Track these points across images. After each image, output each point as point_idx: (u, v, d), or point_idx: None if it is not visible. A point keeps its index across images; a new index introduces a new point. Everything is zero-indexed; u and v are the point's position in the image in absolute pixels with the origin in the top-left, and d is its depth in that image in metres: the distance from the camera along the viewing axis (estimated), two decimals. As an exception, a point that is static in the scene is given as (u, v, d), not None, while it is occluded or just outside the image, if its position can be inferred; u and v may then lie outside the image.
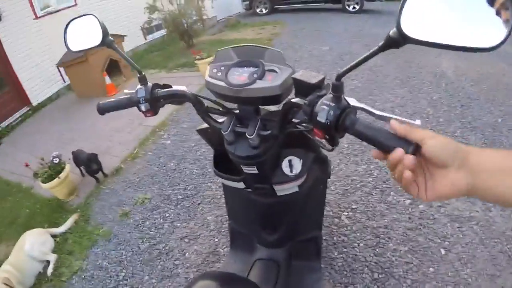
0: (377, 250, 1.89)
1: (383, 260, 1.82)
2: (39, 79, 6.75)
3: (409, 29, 0.46)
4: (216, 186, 2.74)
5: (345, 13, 8.04)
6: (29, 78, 6.59)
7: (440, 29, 0.44)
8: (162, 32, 8.79)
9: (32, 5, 6.50)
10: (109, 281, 2.20)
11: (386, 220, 2.06)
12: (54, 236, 2.72)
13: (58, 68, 6.68)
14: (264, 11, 10.21)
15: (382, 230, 2.00)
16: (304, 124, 0.82)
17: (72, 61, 5.71)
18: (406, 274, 1.72)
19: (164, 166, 3.29)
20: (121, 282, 2.16)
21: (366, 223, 2.06)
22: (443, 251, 1.80)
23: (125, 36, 6.57)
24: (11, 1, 6.08)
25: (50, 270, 2.44)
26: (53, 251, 2.58)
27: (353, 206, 2.21)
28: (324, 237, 1.99)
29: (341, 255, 1.89)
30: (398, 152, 0.48)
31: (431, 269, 1.72)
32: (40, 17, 6.65)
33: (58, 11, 6.98)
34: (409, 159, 0.47)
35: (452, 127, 2.80)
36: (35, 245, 2.48)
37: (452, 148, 0.47)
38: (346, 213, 2.17)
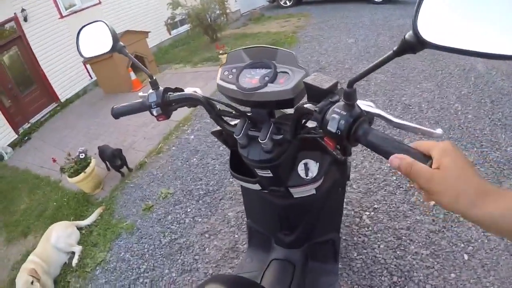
0: (398, 252, 1.84)
1: (403, 263, 1.77)
2: (66, 76, 7.05)
3: (426, 33, 0.41)
4: (237, 182, 2.74)
5: (371, 4, 7.79)
6: (57, 76, 6.89)
7: (462, 33, 0.40)
8: (186, 27, 8.92)
9: (57, 5, 6.75)
10: (130, 273, 2.28)
11: (408, 222, 2.00)
12: (79, 228, 2.84)
13: (84, 65, 6.91)
14: (288, 3, 10.02)
15: (404, 232, 1.94)
16: (317, 130, 0.79)
17: (97, 58, 5.87)
18: (426, 279, 1.67)
19: (187, 161, 3.34)
20: (142, 275, 2.24)
21: (388, 224, 2.01)
22: (466, 256, 1.73)
23: (149, 32, 6.69)
24: (36, 2, 6.33)
25: (75, 261, 2.56)
26: (79, 243, 2.70)
27: (375, 206, 2.16)
28: (344, 237, 1.97)
29: (361, 256, 1.86)
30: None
31: (452, 274, 1.66)
32: (65, 16, 6.91)
33: (82, 10, 7.20)
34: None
35: (481, 124, 2.67)
36: (61, 237, 2.61)
37: (462, 182, 0.42)
38: (368, 213, 2.13)
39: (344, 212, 2.13)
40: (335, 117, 0.57)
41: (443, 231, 1.90)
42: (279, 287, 1.23)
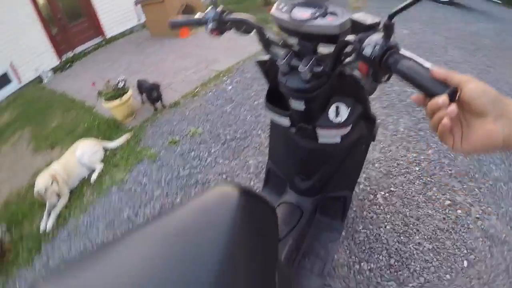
0: (402, 238, 1.84)
1: (404, 250, 1.77)
2: (115, 14, 7.19)
3: None
4: (265, 134, 2.79)
5: (434, 2, 7.37)
6: (106, 12, 7.06)
7: None
8: (242, -16, 8.75)
9: None
10: (144, 196, 2.41)
11: (420, 213, 1.98)
12: (105, 149, 2.96)
13: (135, 6, 7.01)
14: (349, -17, 9.64)
15: (413, 221, 1.93)
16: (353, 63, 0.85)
17: (150, 1, 5.94)
18: (422, 271, 1.66)
19: (221, 108, 3.40)
20: (154, 199, 2.36)
21: (399, 209, 2.01)
22: (465, 263, 1.70)
23: (203, -18, 6.66)
24: None
25: (94, 177, 2.69)
26: (101, 162, 2.82)
27: (392, 189, 2.15)
28: (354, 209, 1.99)
29: (365, 231, 1.88)
30: (440, 99, 0.47)
31: (447, 276, 1.64)
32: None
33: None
34: (452, 107, 0.46)
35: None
36: (86, 153, 2.72)
37: (492, 95, 0.46)
38: (383, 193, 2.12)
39: (360, 186, 2.14)
40: (371, 44, 0.63)
41: (450, 231, 1.86)
42: (283, 227, 1.28)
